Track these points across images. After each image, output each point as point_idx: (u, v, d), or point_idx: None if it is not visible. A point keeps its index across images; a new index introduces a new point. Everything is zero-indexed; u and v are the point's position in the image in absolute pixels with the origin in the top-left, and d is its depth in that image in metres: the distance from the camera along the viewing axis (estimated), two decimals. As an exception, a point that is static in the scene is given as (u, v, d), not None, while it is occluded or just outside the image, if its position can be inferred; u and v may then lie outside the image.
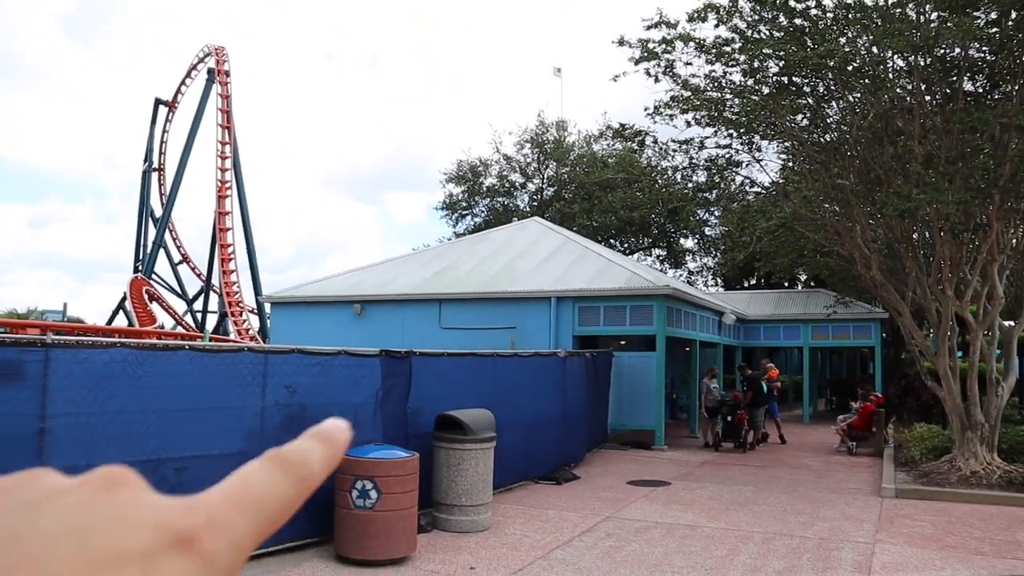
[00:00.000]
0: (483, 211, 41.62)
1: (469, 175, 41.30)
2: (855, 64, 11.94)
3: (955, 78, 11.74)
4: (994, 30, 11.27)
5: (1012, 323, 13.82)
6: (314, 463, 0.35)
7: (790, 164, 15.40)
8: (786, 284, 34.64)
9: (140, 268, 45.94)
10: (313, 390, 8.39)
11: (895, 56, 11.86)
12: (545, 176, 40.43)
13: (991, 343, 13.51)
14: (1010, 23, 11.06)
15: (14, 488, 0.29)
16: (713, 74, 13.00)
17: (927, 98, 12.11)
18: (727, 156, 14.27)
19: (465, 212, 42.11)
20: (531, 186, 41.00)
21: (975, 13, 10.95)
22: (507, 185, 41.10)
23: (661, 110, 13.50)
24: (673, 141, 14.34)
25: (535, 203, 39.87)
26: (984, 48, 11.53)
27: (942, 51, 11.54)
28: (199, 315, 45.67)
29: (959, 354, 14.07)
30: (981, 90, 12.29)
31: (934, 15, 11.37)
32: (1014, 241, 13.41)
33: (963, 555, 8.51)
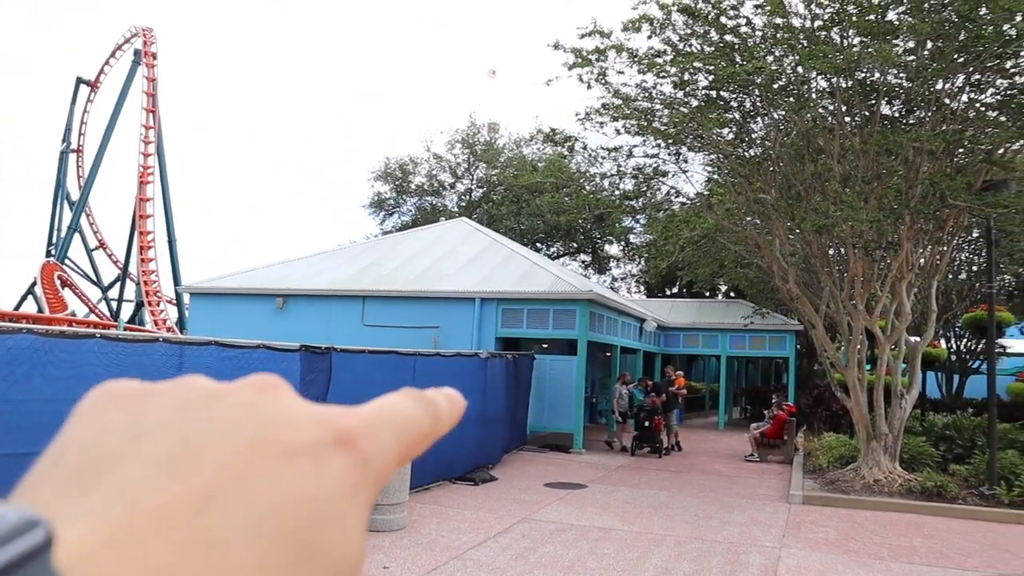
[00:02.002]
0: (411, 210, 41.40)
1: (398, 173, 41.01)
2: (781, 82, 12.29)
3: (874, 101, 12.19)
4: (911, 58, 11.75)
5: (917, 338, 14.40)
6: (444, 410, 0.36)
7: (715, 176, 15.75)
8: (707, 293, 35.40)
9: (53, 252, 44.18)
10: (230, 383, 8.19)
11: (818, 77, 12.25)
12: (474, 177, 40.47)
13: (897, 357, 14.05)
14: (925, 52, 11.55)
15: (174, 389, 0.30)
16: (644, 84, 13.22)
17: (847, 119, 12.55)
18: (654, 165, 14.52)
19: (393, 210, 41.81)
20: (460, 186, 40.98)
21: (894, 41, 11.40)
22: (436, 184, 40.98)
23: (592, 117, 13.66)
24: (602, 148, 14.52)
25: (463, 204, 39.85)
26: (901, 75, 12.01)
27: (863, 75, 11.97)
28: (114, 304, 44.17)
29: (867, 367, 14.59)
30: (897, 114, 12.80)
31: (856, 40, 11.79)
32: (922, 260, 13.98)
33: (863, 559, 8.83)
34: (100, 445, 0.27)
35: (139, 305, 41.75)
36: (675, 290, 37.37)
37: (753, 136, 13.66)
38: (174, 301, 40.78)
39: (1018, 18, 10.38)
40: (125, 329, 31.13)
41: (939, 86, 11.91)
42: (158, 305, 40.68)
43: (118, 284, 44.59)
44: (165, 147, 43.80)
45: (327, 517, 0.27)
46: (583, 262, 40.46)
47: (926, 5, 10.89)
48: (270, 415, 0.29)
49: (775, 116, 12.83)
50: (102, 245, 47.86)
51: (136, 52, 44.50)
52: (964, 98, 12.25)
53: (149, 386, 0.31)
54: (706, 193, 15.90)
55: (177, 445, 0.27)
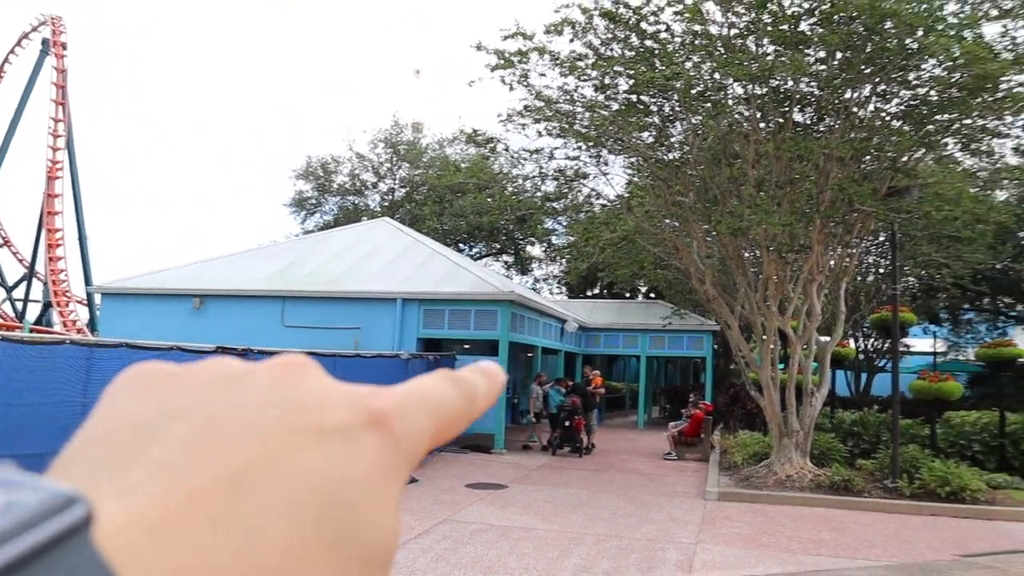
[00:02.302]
0: (333, 209, 40.83)
1: (320, 172, 40.42)
2: (699, 88, 12.57)
3: (787, 109, 12.58)
4: (822, 68, 12.16)
5: (827, 338, 14.90)
6: (480, 390, 0.35)
7: (635, 179, 16.01)
8: (627, 295, 35.91)
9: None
10: (141, 386, 7.95)
11: (735, 84, 12.57)
12: (397, 177, 40.16)
13: (808, 356, 14.52)
14: (835, 62, 11.97)
15: (203, 370, 0.30)
16: (566, 87, 13.36)
17: (761, 125, 12.91)
18: (575, 168, 14.68)
19: (314, 209, 41.17)
20: (383, 186, 40.61)
21: (806, 50, 11.79)
22: (358, 184, 40.53)
23: (513, 118, 13.74)
24: (524, 150, 14.61)
25: (386, 203, 39.51)
26: (813, 84, 12.42)
27: (776, 83, 12.34)
28: (20, 304, 42.31)
29: (780, 366, 15.05)
30: (809, 122, 13.24)
31: (771, 48, 12.15)
32: (831, 263, 14.48)
33: (775, 553, 9.10)
34: (131, 426, 0.27)
35: (47, 305, 40.05)
36: (596, 291, 37.80)
37: (672, 140, 13.94)
38: (85, 302, 39.28)
39: (919, 33, 10.85)
40: (31, 331, 29.86)
41: (848, 95, 12.37)
42: (67, 306, 39.11)
43: (24, 283, 42.71)
44: (76, 141, 42.15)
45: (361, 498, 0.27)
46: (505, 263, 40.59)
47: (836, 17, 11.28)
48: (301, 395, 0.29)
49: (693, 121, 13.11)
50: (7, 243, 45.78)
51: (44, 41, 42.70)
52: (871, 108, 12.75)
53: (178, 368, 0.31)
54: (626, 195, 16.15)
55: (209, 426, 0.27)
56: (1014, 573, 8.49)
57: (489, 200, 18.54)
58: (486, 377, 0.36)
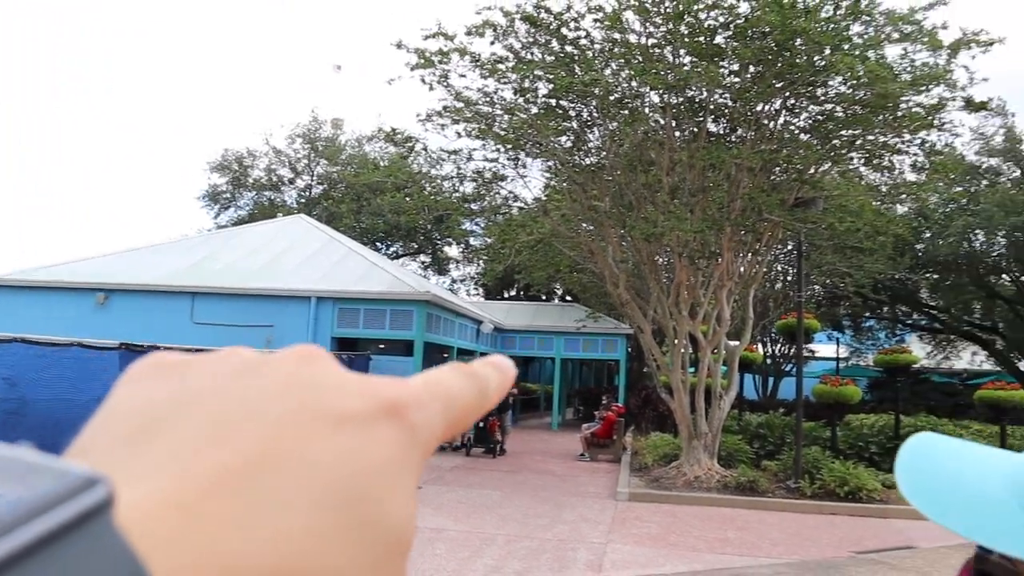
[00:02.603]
0: (248, 204, 39.91)
1: (235, 166, 39.45)
2: (616, 95, 12.77)
3: (701, 118, 12.90)
4: (736, 80, 12.52)
5: (736, 343, 15.33)
6: (491, 383, 0.35)
7: (552, 183, 16.16)
8: (543, 297, 36.19)
9: None
10: (39, 384, 7.65)
11: (651, 92, 12.82)
12: (315, 173, 39.52)
13: (717, 360, 14.91)
14: (748, 75, 12.33)
15: (218, 359, 0.30)
16: (485, 89, 13.40)
17: (676, 134, 13.21)
18: (494, 169, 14.75)
19: (229, 204, 40.16)
20: (300, 182, 39.90)
21: (721, 63, 12.11)
22: (275, 179, 39.73)
23: (433, 118, 13.71)
24: (443, 150, 14.60)
25: (303, 200, 38.85)
26: (726, 95, 12.77)
27: (692, 93, 12.64)
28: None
29: (691, 369, 15.41)
30: (722, 132, 13.60)
31: (687, 59, 12.44)
32: (741, 269, 14.90)
33: (682, 552, 9.31)
34: (148, 411, 0.27)
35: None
36: (513, 293, 37.97)
37: (589, 145, 14.13)
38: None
39: (827, 51, 11.28)
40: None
41: (759, 108, 12.76)
42: (-42, 298, 37.20)
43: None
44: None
45: (378, 485, 0.27)
46: (423, 263, 40.38)
47: (749, 32, 11.63)
48: (317, 383, 0.29)
49: (610, 127, 13.31)
50: None
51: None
52: (781, 120, 13.20)
53: (193, 356, 0.31)
54: (543, 199, 16.29)
55: (226, 411, 0.27)
56: (904, 568, 8.90)
57: (407, 200, 18.39)
58: (497, 371, 0.37)
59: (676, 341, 14.41)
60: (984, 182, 25.66)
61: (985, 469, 0.79)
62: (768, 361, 27.37)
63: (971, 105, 12.28)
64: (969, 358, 31.57)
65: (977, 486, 0.77)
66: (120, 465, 0.24)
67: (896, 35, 11.95)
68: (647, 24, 12.43)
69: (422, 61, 12.94)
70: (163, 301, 18.45)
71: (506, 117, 13.54)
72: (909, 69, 12.02)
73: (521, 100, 13.18)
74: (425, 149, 14.83)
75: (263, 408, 0.27)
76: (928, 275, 26.97)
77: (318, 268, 19.09)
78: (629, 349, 26.22)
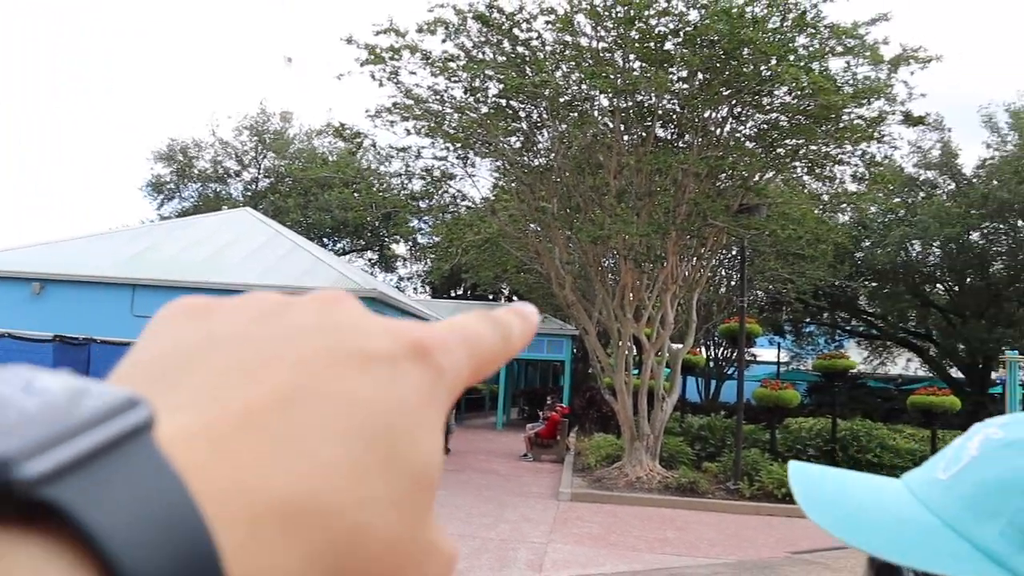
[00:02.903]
0: (193, 196, 39.16)
1: (180, 156, 38.66)
2: (566, 97, 12.84)
3: (650, 123, 13.04)
4: (684, 86, 12.69)
5: (679, 346, 15.53)
6: (515, 330, 0.35)
7: (501, 183, 16.19)
8: (490, 296, 36.21)
9: None
10: (-35, 376, 7.39)
11: (601, 96, 12.92)
12: (262, 166, 38.94)
13: (661, 363, 15.08)
14: (696, 82, 12.51)
15: (246, 301, 0.30)
16: (436, 87, 13.36)
17: (625, 138, 13.32)
18: (442, 168, 14.71)
19: (173, 195, 39.36)
20: (246, 175, 39.27)
21: (670, 69, 12.26)
22: (221, 171, 39.04)
23: (382, 115, 13.63)
24: (392, 147, 14.52)
25: (249, 193, 38.24)
26: (675, 101, 12.94)
27: (641, 97, 12.77)
28: None
29: (635, 371, 15.56)
30: (670, 137, 13.77)
31: (637, 64, 12.56)
32: (685, 273, 15.10)
33: (622, 552, 9.41)
34: (178, 351, 0.27)
35: None
36: (460, 292, 37.91)
37: (538, 146, 14.18)
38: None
39: (773, 61, 11.50)
40: None
41: (706, 115, 12.95)
42: None
43: None
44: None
45: (406, 423, 0.27)
46: (370, 260, 40.07)
47: (698, 40, 11.79)
48: (344, 324, 0.29)
49: (560, 129, 13.38)
50: None
51: None
52: (727, 128, 13.41)
53: (221, 299, 0.31)
54: (491, 198, 16.31)
55: (256, 350, 0.27)
56: (838, 568, 9.14)
57: (355, 196, 18.25)
58: (521, 318, 0.37)
59: (620, 343, 14.54)
60: (921, 194, 26.42)
61: (881, 495, 0.82)
62: (711, 364, 27.77)
63: (909, 119, 12.64)
64: (904, 364, 32.44)
65: (888, 509, 0.79)
66: (155, 399, 0.23)
67: (840, 48, 12.23)
68: (598, 28, 12.52)
69: (372, 57, 12.85)
70: (102, 292, 18.00)
71: (456, 116, 13.52)
72: (851, 82, 12.32)
73: (471, 99, 13.18)
74: (374, 145, 14.74)
75: (292, 347, 0.27)
76: (866, 283, 27.67)
77: (263, 262, 18.81)
78: (574, 350, 26.37)
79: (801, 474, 0.85)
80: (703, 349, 26.58)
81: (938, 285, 28.20)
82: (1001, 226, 25.89)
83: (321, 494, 0.24)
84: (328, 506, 0.24)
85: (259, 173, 39.00)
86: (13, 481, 0.18)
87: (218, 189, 39.00)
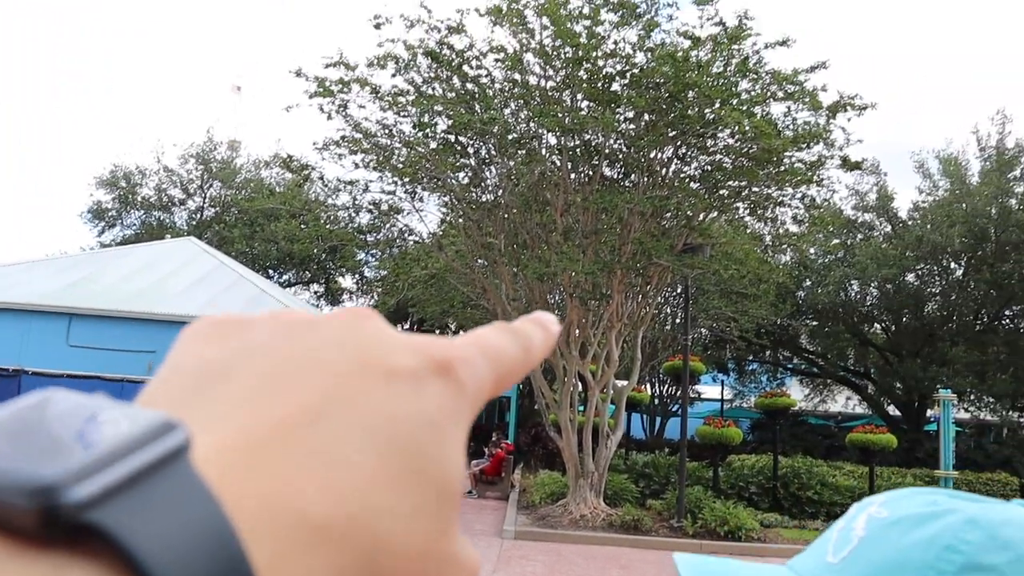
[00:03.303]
0: (135, 223, 38.35)
1: (123, 183, 37.87)
2: (515, 135, 12.95)
3: (596, 162, 13.20)
4: (631, 127, 12.89)
5: (624, 383, 15.60)
6: (536, 341, 0.36)
7: (448, 218, 16.19)
8: (437, 331, 36.07)
9: None
10: None
11: (549, 134, 13.06)
12: (208, 196, 38.36)
13: (606, 400, 15.12)
14: (642, 123, 12.73)
15: (274, 317, 0.31)
16: (385, 121, 13.36)
17: (572, 176, 13.46)
18: (390, 202, 14.67)
19: (114, 222, 38.49)
20: (191, 204, 38.61)
21: (617, 109, 12.46)
22: (165, 199, 38.34)
23: (330, 147, 13.57)
24: (339, 180, 14.46)
25: (194, 222, 37.61)
26: (621, 141, 13.13)
27: (588, 136, 12.93)
28: None
29: (580, 408, 15.57)
30: (616, 176, 13.95)
31: (584, 104, 12.74)
32: (630, 310, 15.22)
33: (563, 593, 9.33)
34: (208, 366, 0.28)
35: None
36: (407, 327, 37.66)
37: (486, 183, 14.24)
38: None
39: (716, 105, 11.76)
40: None
41: (652, 155, 13.16)
42: None
43: None
44: None
45: (431, 437, 0.28)
46: (316, 293, 39.58)
47: (644, 82, 12.02)
48: (369, 340, 0.29)
49: (508, 166, 13.47)
50: None
51: None
52: (672, 168, 13.64)
53: (248, 316, 0.32)
54: (439, 233, 16.30)
55: (284, 365, 0.28)
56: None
57: (302, 228, 18.09)
58: (541, 328, 0.37)
59: (566, 380, 14.55)
60: (859, 236, 27.13)
61: None
62: (655, 401, 27.93)
63: (847, 164, 13.01)
64: (844, 402, 33.01)
65: None
66: (185, 415, 0.24)
67: (781, 94, 12.56)
68: (547, 67, 12.69)
69: (321, 90, 12.82)
70: (37, 321, 17.47)
71: (404, 150, 13.53)
72: (792, 127, 12.65)
73: (420, 134, 13.20)
74: (321, 178, 14.66)
75: (320, 363, 0.28)
76: (807, 322, 28.21)
77: (205, 293, 18.48)
78: (520, 386, 26.33)
79: (688, 564, 0.85)
80: (648, 386, 26.75)
81: (876, 324, 28.87)
82: (935, 268, 26.68)
83: (351, 508, 0.24)
84: (357, 520, 0.24)
85: (204, 202, 38.40)
86: (61, 505, 0.19)
87: (161, 217, 38.27)
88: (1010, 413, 27.18)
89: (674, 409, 27.89)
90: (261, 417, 0.25)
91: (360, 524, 0.24)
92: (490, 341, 0.33)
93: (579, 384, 15.13)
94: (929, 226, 25.29)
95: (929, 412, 26.55)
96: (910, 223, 26.84)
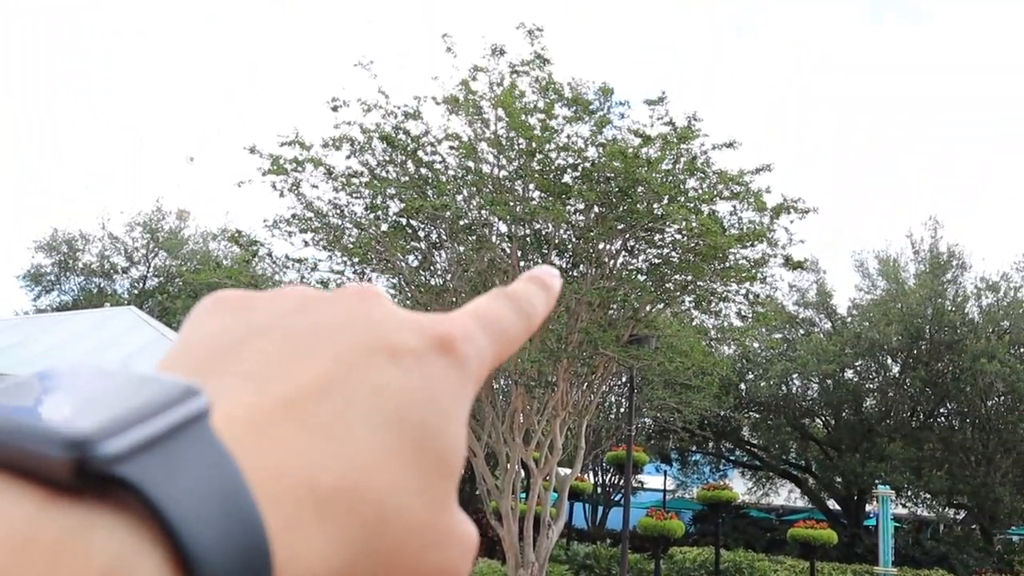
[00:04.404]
0: (74, 289, 37.48)
1: (64, 247, 37.12)
2: (466, 221, 13.05)
3: (546, 251, 13.33)
4: (581, 218, 13.10)
5: (568, 471, 15.45)
6: (538, 303, 0.37)
7: (397, 300, 16.12)
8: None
9: None
10: None
11: (500, 222, 13.19)
12: (152, 265, 37.75)
13: (548, 488, 14.92)
14: (592, 215, 12.95)
15: (281, 295, 0.32)
16: (337, 201, 13.38)
17: (521, 264, 13.55)
18: (339, 281, 14.56)
19: (52, 287, 37.57)
20: (135, 272, 37.94)
21: (568, 200, 12.67)
22: (107, 266, 37.62)
23: (280, 225, 13.52)
24: (288, 257, 14.35)
25: (135, 291, 36.89)
26: (571, 231, 13.32)
27: (538, 226, 13.10)
28: None
29: (522, 496, 15.33)
30: (565, 266, 14.08)
31: (536, 194, 12.94)
32: (575, 399, 15.19)
33: None
34: (218, 342, 0.30)
35: None
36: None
37: (436, 266, 14.27)
38: None
39: (665, 200, 12.05)
40: None
41: (601, 247, 13.35)
42: None
43: None
44: None
45: (434, 413, 0.29)
46: (260, 368, 38.90)
47: (595, 175, 12.28)
48: (375, 319, 0.30)
49: (458, 251, 13.53)
50: None
51: None
52: (620, 260, 13.83)
53: (257, 293, 0.33)
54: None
55: (294, 340, 0.29)
56: None
57: (248, 303, 18.04)
58: (541, 287, 0.37)
59: (508, 467, 14.36)
60: (801, 331, 27.73)
61: None
62: (598, 490, 27.70)
63: (789, 263, 13.34)
64: (786, 495, 33.16)
65: None
66: (203, 385, 0.25)
67: (727, 193, 12.93)
68: (500, 157, 12.90)
69: (275, 167, 12.83)
70: (-41, 390, 16.77)
71: (355, 231, 13.53)
72: (737, 225, 12.98)
73: (372, 216, 13.23)
74: (270, 254, 14.54)
75: (328, 339, 0.29)
76: (750, 414, 28.48)
77: (143, 365, 17.78)
78: (463, 472, 25.89)
79: None
80: (590, 475, 26.56)
81: (817, 419, 29.28)
82: (872, 364, 27.33)
83: (356, 480, 0.25)
84: (362, 492, 0.25)
85: (148, 271, 37.75)
86: (94, 457, 0.20)
87: (102, 284, 37.47)
88: (946, 509, 27.56)
89: (616, 499, 27.67)
90: (270, 392, 0.26)
91: (366, 496, 0.25)
92: (491, 313, 0.34)
93: (522, 471, 14.93)
94: (867, 323, 25.99)
95: (869, 507, 26.78)
96: (849, 320, 27.56)
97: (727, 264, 12.92)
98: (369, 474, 0.26)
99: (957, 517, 29.04)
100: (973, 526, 28.13)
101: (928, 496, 26.04)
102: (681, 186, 12.52)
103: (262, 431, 0.25)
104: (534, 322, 0.36)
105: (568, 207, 12.65)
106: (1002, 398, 25.29)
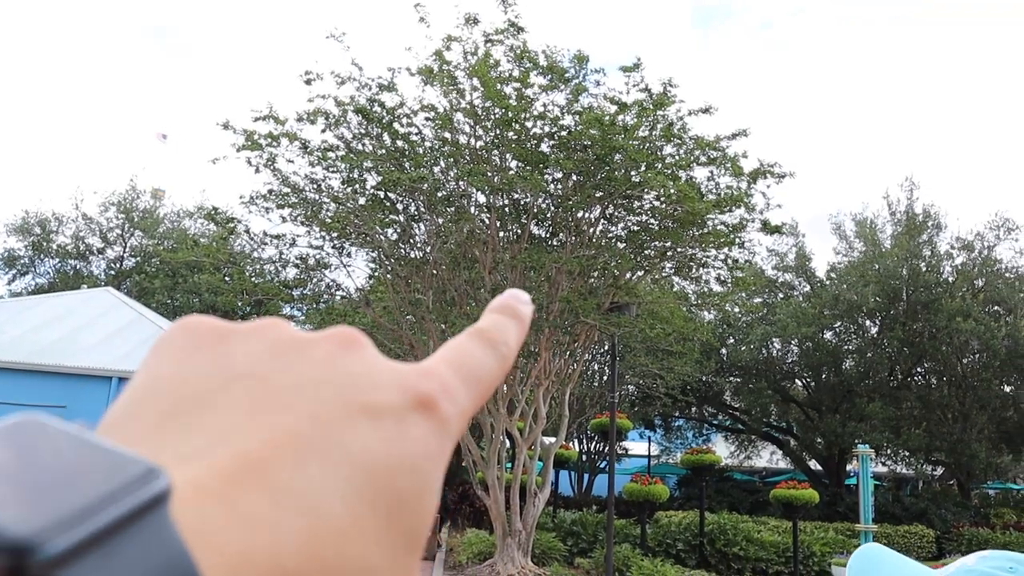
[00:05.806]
0: (49, 272, 37.02)
1: (37, 229, 36.58)
2: (444, 193, 13.00)
3: (525, 221, 13.32)
4: (559, 187, 13.08)
5: (552, 440, 15.56)
6: (511, 340, 0.35)
7: (376, 274, 16.08)
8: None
9: None
10: None
11: (478, 192, 13.15)
12: (128, 245, 37.34)
13: (533, 457, 15.04)
14: (570, 184, 12.93)
15: (258, 333, 0.31)
16: (314, 176, 13.28)
17: (500, 234, 13.54)
18: (318, 256, 14.50)
19: (26, 270, 37.10)
20: (111, 253, 37.51)
21: (545, 169, 12.64)
22: (82, 248, 37.16)
23: (257, 201, 13.40)
24: (266, 233, 14.25)
25: (112, 272, 36.52)
26: (549, 200, 13.30)
27: (517, 196, 13.07)
28: None
29: (508, 465, 15.44)
30: (544, 235, 14.08)
31: (513, 164, 12.90)
32: (558, 368, 15.27)
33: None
34: (187, 387, 0.28)
35: None
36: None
37: (415, 239, 14.23)
38: None
39: (642, 168, 12.04)
40: None
41: (579, 215, 13.35)
42: None
43: None
44: None
45: (411, 484, 0.27)
46: (240, 346, 38.71)
47: (572, 143, 12.25)
48: (354, 372, 0.29)
49: (436, 223, 13.49)
50: None
51: None
52: (599, 228, 13.85)
53: (231, 326, 0.31)
54: (366, 289, 16.16)
55: (266, 395, 0.27)
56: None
57: (225, 280, 17.70)
58: (511, 317, 0.36)
59: (493, 437, 14.44)
60: (780, 295, 27.95)
61: None
62: (583, 458, 27.93)
63: (767, 228, 13.41)
64: (768, 457, 33.59)
65: None
66: (163, 444, 0.24)
67: (704, 159, 12.93)
68: (477, 127, 12.83)
69: (249, 143, 12.70)
70: (-64, 375, 16.63)
71: (333, 206, 13.45)
72: (715, 191, 13.01)
73: (349, 190, 13.15)
74: (247, 231, 14.43)
75: (302, 394, 0.27)
76: (731, 379, 28.75)
77: (122, 346, 17.89)
78: (449, 442, 26.02)
79: (869, 559, 1.05)
80: (575, 443, 26.77)
81: (797, 381, 29.60)
82: (851, 326, 27.60)
83: (325, 558, 0.24)
84: (331, 571, 0.24)
85: (124, 252, 37.36)
86: (30, 565, 0.18)
87: (78, 266, 37.06)
88: (924, 466, 28.02)
89: (602, 466, 27.93)
90: (241, 454, 0.25)
91: (333, 574, 0.24)
92: (468, 360, 0.33)
93: (507, 441, 15.02)
94: (845, 286, 26.20)
95: (849, 467, 27.18)
96: (827, 283, 27.77)
97: (706, 230, 12.97)
98: (340, 550, 0.24)
99: (935, 473, 29.59)
100: (951, 481, 28.70)
101: (907, 454, 26.47)
102: (658, 153, 12.53)
103: (230, 504, 0.23)
104: (509, 361, 0.35)
105: (546, 176, 12.63)
106: (977, 356, 25.69)
